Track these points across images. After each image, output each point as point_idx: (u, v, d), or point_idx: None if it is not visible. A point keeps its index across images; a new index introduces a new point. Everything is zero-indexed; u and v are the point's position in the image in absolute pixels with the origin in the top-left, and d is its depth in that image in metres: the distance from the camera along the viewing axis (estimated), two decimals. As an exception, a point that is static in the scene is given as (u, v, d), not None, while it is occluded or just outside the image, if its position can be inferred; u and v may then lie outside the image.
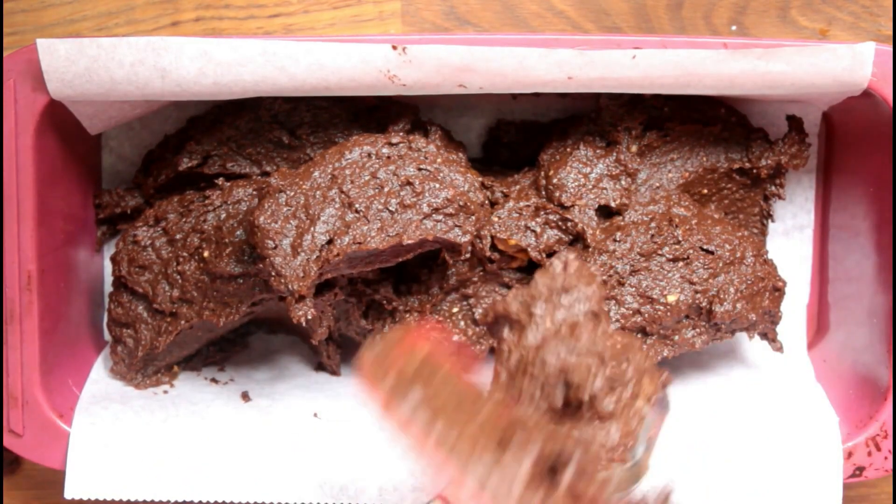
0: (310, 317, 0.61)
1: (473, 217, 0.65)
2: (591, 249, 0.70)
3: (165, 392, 0.74)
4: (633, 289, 0.70)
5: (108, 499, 0.68)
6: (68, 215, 0.72)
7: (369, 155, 0.65)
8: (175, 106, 0.75)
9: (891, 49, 0.65)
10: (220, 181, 0.70)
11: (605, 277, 0.70)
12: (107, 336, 0.77)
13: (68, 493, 0.67)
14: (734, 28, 0.77)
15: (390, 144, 0.65)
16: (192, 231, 0.70)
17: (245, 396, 0.74)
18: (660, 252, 0.70)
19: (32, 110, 0.65)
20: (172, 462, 0.68)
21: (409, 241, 0.63)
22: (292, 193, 0.63)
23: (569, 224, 0.70)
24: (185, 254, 0.70)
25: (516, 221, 0.71)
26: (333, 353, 0.77)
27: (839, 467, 0.67)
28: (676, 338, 0.71)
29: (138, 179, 0.76)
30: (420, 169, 0.65)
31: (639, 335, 0.71)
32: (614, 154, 0.72)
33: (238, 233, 0.68)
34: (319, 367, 0.79)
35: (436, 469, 0.51)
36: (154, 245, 0.71)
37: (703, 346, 0.71)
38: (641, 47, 0.64)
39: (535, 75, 0.64)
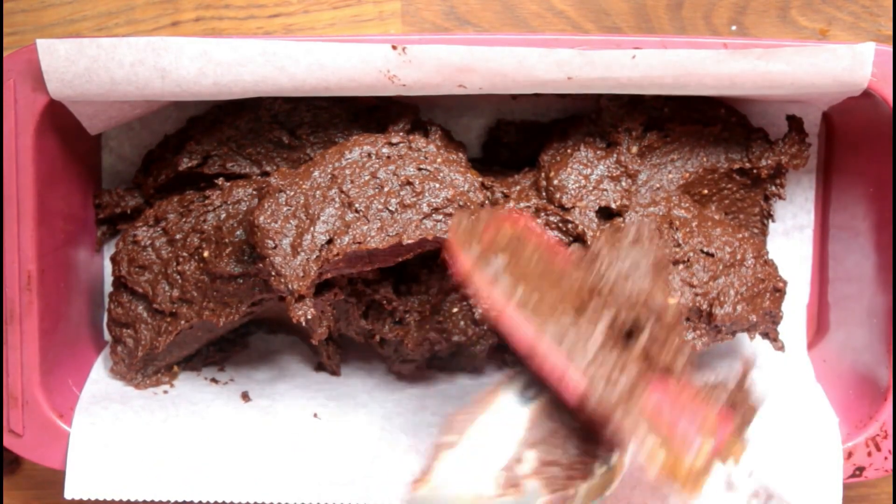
0: (310, 317, 0.61)
1: (473, 217, 0.65)
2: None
3: (165, 392, 0.74)
4: (634, 289, 0.70)
5: (108, 499, 0.68)
6: (68, 215, 0.72)
7: (369, 155, 0.65)
8: (175, 106, 0.75)
9: (891, 49, 0.65)
10: (220, 181, 0.70)
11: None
12: (107, 336, 0.77)
13: (68, 493, 0.67)
14: (734, 28, 0.77)
15: (390, 144, 0.65)
16: (192, 231, 0.70)
17: (245, 396, 0.74)
18: (660, 254, 0.70)
19: (32, 110, 0.65)
20: (172, 462, 0.68)
21: (409, 241, 0.63)
22: (292, 193, 0.63)
23: (569, 226, 0.70)
24: (185, 254, 0.70)
25: (516, 222, 0.71)
26: (333, 353, 0.77)
27: (839, 467, 0.67)
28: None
29: (138, 179, 0.76)
30: (420, 169, 0.65)
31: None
32: (615, 155, 0.72)
33: (238, 233, 0.68)
34: (319, 367, 0.79)
35: (513, 328, 0.55)
36: (154, 245, 0.71)
37: (703, 347, 0.71)
38: (641, 47, 0.64)
39: (534, 75, 0.64)
